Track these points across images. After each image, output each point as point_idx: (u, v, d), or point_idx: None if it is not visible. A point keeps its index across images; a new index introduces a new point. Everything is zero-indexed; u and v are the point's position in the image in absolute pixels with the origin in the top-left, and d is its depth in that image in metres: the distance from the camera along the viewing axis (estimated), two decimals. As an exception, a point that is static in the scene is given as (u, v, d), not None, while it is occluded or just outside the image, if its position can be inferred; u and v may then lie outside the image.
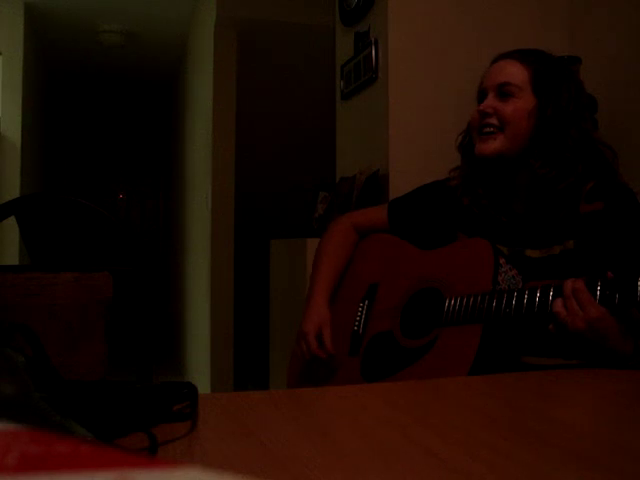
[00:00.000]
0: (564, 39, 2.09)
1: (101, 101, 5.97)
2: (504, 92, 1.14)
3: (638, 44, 1.89)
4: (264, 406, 0.63)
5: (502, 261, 1.03)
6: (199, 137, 4.07)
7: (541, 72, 1.14)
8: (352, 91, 2.17)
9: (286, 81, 4.45)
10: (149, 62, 5.33)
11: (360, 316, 1.21)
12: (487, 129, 1.15)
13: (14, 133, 3.87)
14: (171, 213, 5.91)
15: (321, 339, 1.17)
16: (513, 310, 0.96)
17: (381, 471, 0.43)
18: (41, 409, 0.39)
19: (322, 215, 2.16)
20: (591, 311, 0.87)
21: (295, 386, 1.28)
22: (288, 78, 4.42)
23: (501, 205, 1.18)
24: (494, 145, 1.14)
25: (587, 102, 1.24)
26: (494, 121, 1.15)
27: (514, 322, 0.97)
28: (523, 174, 1.14)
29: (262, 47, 3.99)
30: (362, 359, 1.16)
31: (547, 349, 1.00)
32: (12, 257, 3.67)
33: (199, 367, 3.91)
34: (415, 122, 1.94)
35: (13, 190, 3.76)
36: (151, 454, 0.44)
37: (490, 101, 1.16)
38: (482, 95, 1.20)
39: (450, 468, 0.44)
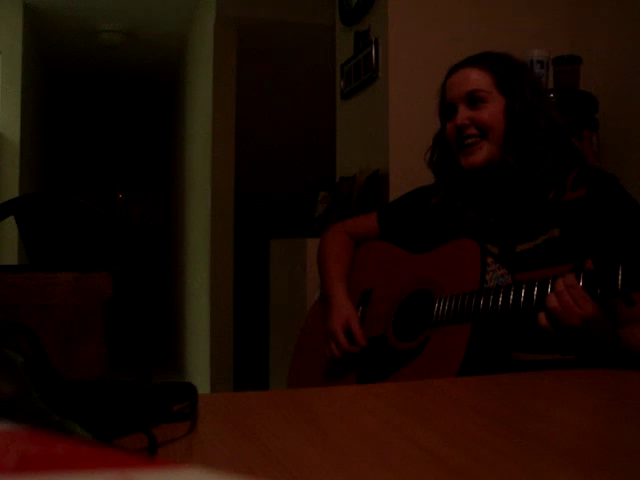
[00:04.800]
0: (564, 39, 2.09)
1: (101, 101, 5.97)
2: (474, 99, 1.14)
3: (638, 44, 1.89)
4: (264, 406, 0.63)
5: (490, 260, 1.04)
6: (199, 137, 4.08)
7: (502, 72, 1.15)
8: (352, 91, 2.17)
9: (286, 81, 4.45)
10: (149, 62, 5.33)
11: None
12: (469, 140, 1.15)
13: (13, 132, 3.87)
14: (171, 213, 5.92)
15: (350, 335, 1.16)
16: (500, 307, 0.97)
17: (381, 471, 0.43)
18: (41, 409, 0.39)
19: (322, 215, 2.16)
20: (587, 308, 0.88)
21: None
22: (288, 78, 4.42)
23: (486, 207, 1.19)
24: (482, 154, 1.14)
25: (545, 90, 1.26)
26: (473, 131, 1.15)
27: (502, 319, 0.98)
28: (502, 173, 1.15)
29: (262, 47, 3.99)
30: (356, 363, 1.17)
31: (536, 345, 1.01)
32: (12, 257, 3.67)
33: (199, 367, 3.91)
34: (415, 122, 1.94)
35: (12, 190, 3.76)
36: (151, 454, 0.44)
37: (463, 112, 1.15)
38: (450, 109, 1.19)
39: (450, 468, 0.44)
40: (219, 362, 3.49)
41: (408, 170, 1.86)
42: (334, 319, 1.19)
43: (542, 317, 0.92)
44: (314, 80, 4.02)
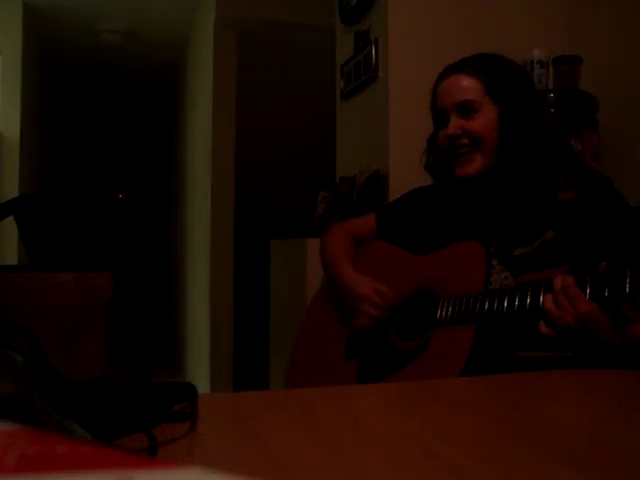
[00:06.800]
0: (564, 39, 2.09)
1: (101, 101, 5.97)
2: (466, 109, 1.13)
3: (638, 44, 1.89)
4: (264, 406, 0.63)
5: (494, 262, 1.04)
6: (199, 137, 4.08)
7: (494, 80, 1.13)
8: (352, 91, 2.17)
9: (286, 81, 4.45)
10: (149, 62, 5.33)
11: (350, 322, 1.21)
12: (462, 150, 1.14)
13: (13, 132, 3.87)
14: (171, 213, 5.92)
15: (379, 293, 1.16)
16: (505, 309, 0.96)
17: (381, 471, 0.43)
18: (41, 409, 0.39)
19: (322, 215, 2.16)
20: (581, 307, 0.88)
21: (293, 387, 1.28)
22: (288, 78, 4.42)
23: (483, 212, 1.19)
24: (475, 165, 1.13)
25: (538, 92, 1.23)
26: (465, 141, 1.14)
27: (507, 321, 0.98)
28: (496, 182, 1.15)
29: (262, 47, 4.00)
30: (358, 363, 1.16)
31: (542, 344, 1.00)
32: (11, 257, 3.67)
33: (199, 367, 3.91)
34: (415, 122, 1.93)
35: (12, 190, 3.76)
36: (151, 454, 0.44)
37: (455, 122, 1.14)
38: (442, 116, 1.18)
39: (451, 468, 0.44)
40: (219, 362, 3.49)
41: (408, 170, 1.85)
42: (360, 287, 1.18)
43: (542, 324, 0.92)
44: (314, 80, 4.02)
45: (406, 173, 1.85)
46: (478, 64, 1.16)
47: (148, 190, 6.22)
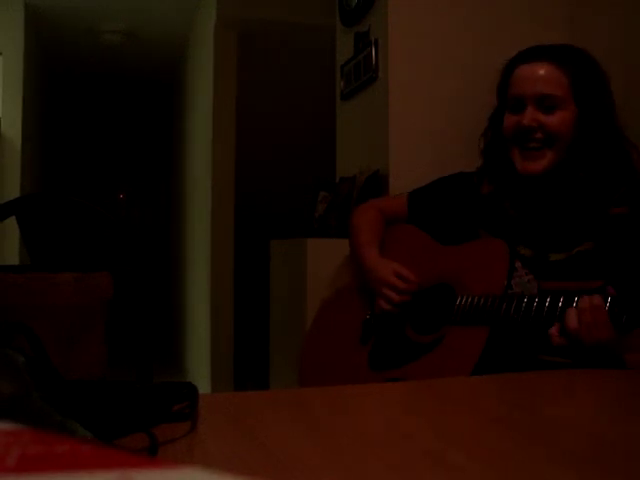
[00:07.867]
0: (564, 39, 2.09)
1: (101, 101, 5.97)
2: (547, 102, 1.07)
3: (638, 44, 1.89)
4: (264, 406, 0.63)
5: (518, 265, 1.01)
6: (199, 137, 4.07)
7: (578, 76, 1.07)
8: (352, 91, 2.17)
9: (286, 81, 4.44)
10: (149, 62, 5.32)
11: (373, 305, 1.21)
12: (533, 144, 1.09)
13: (14, 133, 3.87)
14: (172, 213, 5.91)
15: (401, 277, 1.14)
16: (521, 315, 0.94)
17: (381, 471, 0.43)
18: (42, 409, 0.39)
19: (322, 215, 2.15)
20: (604, 333, 0.87)
21: (307, 371, 1.28)
22: (288, 78, 4.42)
23: (529, 209, 1.15)
24: (543, 163, 1.08)
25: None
26: (539, 135, 1.08)
27: (521, 327, 0.96)
28: (558, 182, 1.11)
29: (262, 47, 3.99)
30: (370, 349, 1.16)
31: (561, 350, 0.99)
32: (12, 257, 3.67)
33: (199, 367, 3.91)
34: (415, 122, 1.94)
35: (13, 190, 3.76)
36: (151, 454, 0.44)
37: (532, 114, 1.08)
38: (516, 102, 1.11)
39: (450, 468, 0.44)
40: (219, 362, 3.49)
41: (408, 170, 1.86)
42: (380, 270, 1.16)
43: (555, 335, 0.91)
44: (314, 80, 4.02)
45: (406, 173, 1.84)
46: (565, 56, 1.09)
47: (148, 190, 6.21)
